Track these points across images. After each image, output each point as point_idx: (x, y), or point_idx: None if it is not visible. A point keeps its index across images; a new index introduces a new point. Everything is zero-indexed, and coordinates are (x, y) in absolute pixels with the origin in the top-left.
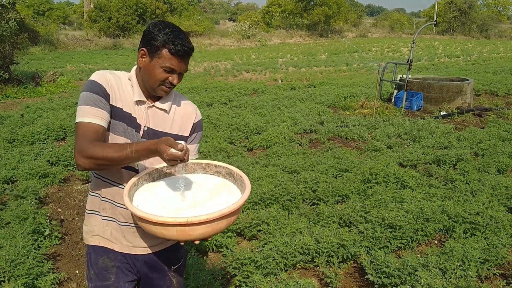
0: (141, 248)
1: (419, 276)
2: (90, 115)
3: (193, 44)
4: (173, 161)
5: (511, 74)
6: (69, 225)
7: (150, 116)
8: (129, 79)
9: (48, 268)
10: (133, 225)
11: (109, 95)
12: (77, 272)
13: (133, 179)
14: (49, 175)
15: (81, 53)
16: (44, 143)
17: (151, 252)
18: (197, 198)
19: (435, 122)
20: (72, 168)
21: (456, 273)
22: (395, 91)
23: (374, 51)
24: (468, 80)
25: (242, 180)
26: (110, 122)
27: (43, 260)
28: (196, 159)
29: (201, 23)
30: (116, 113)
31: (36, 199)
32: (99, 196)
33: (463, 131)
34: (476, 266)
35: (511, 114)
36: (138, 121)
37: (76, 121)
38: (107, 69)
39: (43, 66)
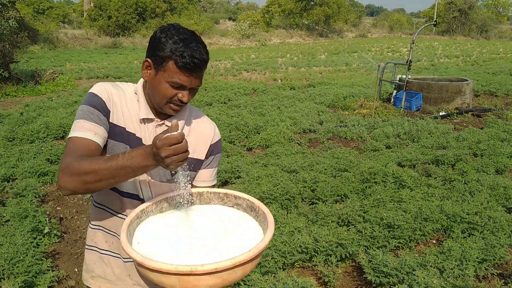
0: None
1: (417, 276)
2: (83, 129)
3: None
4: (170, 150)
5: (510, 75)
6: (68, 224)
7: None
8: (135, 93)
9: (47, 266)
10: None
11: (109, 111)
12: (76, 270)
13: (137, 209)
14: (48, 174)
15: (81, 52)
16: (44, 142)
17: None
18: (210, 236)
19: (434, 123)
20: None
21: (454, 272)
22: (395, 91)
23: (373, 51)
24: (467, 80)
25: (265, 217)
26: (108, 143)
27: (42, 258)
28: (213, 186)
29: (201, 22)
30: (117, 133)
31: (35, 197)
32: (102, 228)
33: (462, 131)
34: (474, 265)
35: (510, 115)
36: (143, 142)
37: (68, 136)
38: (107, 68)
39: (42, 64)
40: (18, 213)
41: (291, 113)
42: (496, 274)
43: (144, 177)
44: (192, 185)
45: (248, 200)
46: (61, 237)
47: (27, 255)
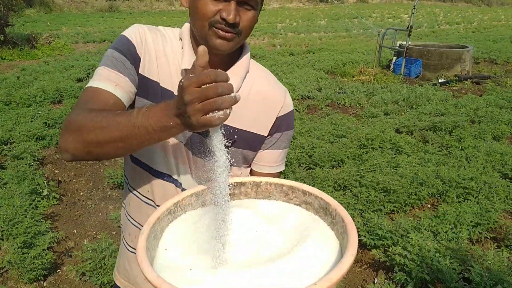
0: None
1: (411, 238)
2: (102, 78)
3: None
4: (197, 92)
5: (511, 42)
6: (66, 187)
7: None
8: (180, 38)
9: (46, 227)
10: None
11: (139, 58)
12: (75, 231)
13: (169, 202)
14: (46, 138)
15: (77, 16)
16: (41, 106)
17: None
18: (264, 247)
19: (433, 89)
20: None
21: (447, 235)
22: (394, 58)
23: (374, 17)
24: (467, 47)
25: (344, 225)
26: (136, 101)
27: (41, 220)
28: (278, 174)
29: None
30: (148, 89)
31: (34, 160)
32: (127, 216)
33: (460, 98)
34: (468, 229)
35: (509, 82)
36: None
37: (86, 86)
38: (103, 32)
39: (38, 28)
40: (17, 176)
41: (290, 79)
42: (489, 237)
43: (182, 150)
44: (251, 170)
45: (321, 198)
46: (59, 199)
47: (26, 217)
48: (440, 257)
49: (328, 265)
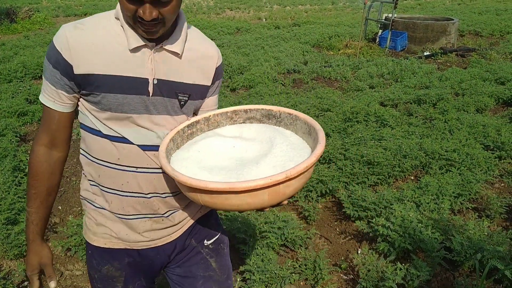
0: (159, 239)
1: (394, 209)
2: (46, 93)
3: None
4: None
5: (496, 15)
6: None
7: (158, 63)
8: (116, 18)
9: None
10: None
11: (69, 65)
12: (60, 207)
13: (165, 142)
14: (28, 113)
15: None
16: (21, 81)
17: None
18: (247, 154)
19: (418, 62)
20: None
21: (430, 206)
22: (380, 31)
23: None
24: (453, 20)
25: (296, 116)
26: (97, 98)
27: (25, 196)
28: None
29: None
30: (94, 82)
31: (16, 136)
32: (101, 188)
33: (445, 71)
34: (449, 200)
35: (493, 55)
36: (141, 76)
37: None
38: (84, 5)
39: (17, 1)
40: None
41: (276, 53)
42: (471, 208)
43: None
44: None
45: (262, 109)
46: None
47: (9, 193)
48: (422, 227)
49: (301, 151)
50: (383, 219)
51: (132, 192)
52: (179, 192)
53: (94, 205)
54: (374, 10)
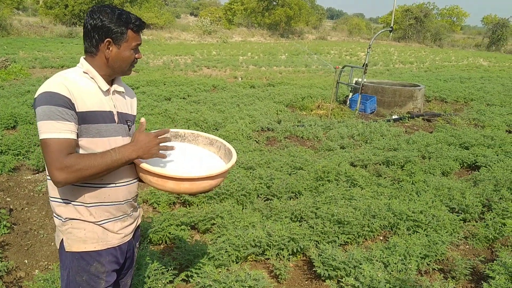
0: (129, 235)
1: (363, 269)
2: (60, 130)
3: (152, 36)
4: (161, 148)
5: (460, 82)
6: (18, 215)
7: (116, 101)
8: (84, 72)
9: None
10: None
11: (73, 105)
12: (26, 261)
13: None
14: None
15: (35, 40)
16: None
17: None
18: (188, 161)
19: (387, 125)
20: (22, 158)
21: (397, 266)
22: (351, 94)
23: (332, 54)
24: (419, 86)
25: (225, 147)
26: (84, 129)
27: None
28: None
29: (162, 16)
30: (88, 117)
31: None
32: (82, 204)
33: (412, 134)
34: (416, 261)
35: (458, 120)
36: (110, 110)
37: (43, 137)
38: (62, 58)
39: None
40: None
41: (250, 111)
42: (437, 269)
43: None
44: None
45: (207, 138)
46: (10, 228)
47: None
48: (390, 287)
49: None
50: (352, 278)
51: (112, 202)
52: (137, 194)
53: (81, 219)
54: (345, 73)
